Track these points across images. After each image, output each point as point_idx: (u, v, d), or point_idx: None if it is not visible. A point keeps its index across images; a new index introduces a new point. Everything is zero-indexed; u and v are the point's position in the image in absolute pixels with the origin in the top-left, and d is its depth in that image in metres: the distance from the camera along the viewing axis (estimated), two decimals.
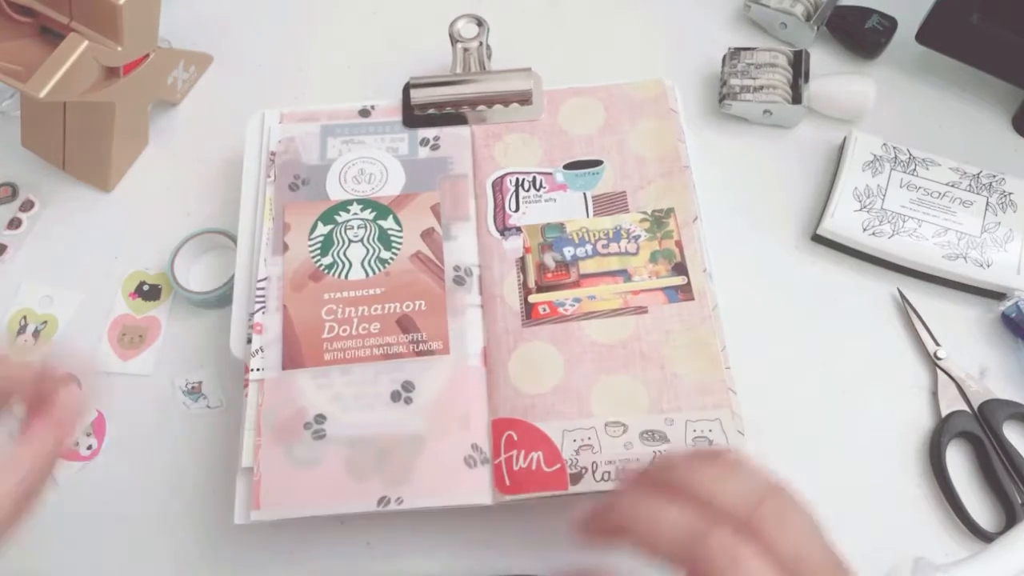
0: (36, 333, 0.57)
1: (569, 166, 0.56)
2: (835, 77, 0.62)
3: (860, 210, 0.56)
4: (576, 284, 0.51)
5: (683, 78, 0.64)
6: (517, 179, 0.55)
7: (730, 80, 0.61)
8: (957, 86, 0.64)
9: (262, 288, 0.52)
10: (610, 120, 0.57)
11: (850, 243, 0.56)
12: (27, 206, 0.61)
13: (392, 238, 0.53)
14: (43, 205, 0.61)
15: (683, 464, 0.36)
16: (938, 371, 0.53)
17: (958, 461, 0.51)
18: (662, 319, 0.50)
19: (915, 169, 0.58)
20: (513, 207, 0.54)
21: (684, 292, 0.51)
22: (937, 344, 0.54)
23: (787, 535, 0.32)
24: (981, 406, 0.52)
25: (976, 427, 0.51)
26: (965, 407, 0.52)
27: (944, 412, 0.52)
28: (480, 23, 0.59)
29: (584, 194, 0.54)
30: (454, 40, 0.59)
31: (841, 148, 0.60)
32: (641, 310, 0.50)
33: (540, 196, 0.55)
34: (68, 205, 0.61)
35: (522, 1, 0.69)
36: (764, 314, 0.56)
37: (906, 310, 0.55)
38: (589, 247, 0.53)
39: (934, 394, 0.53)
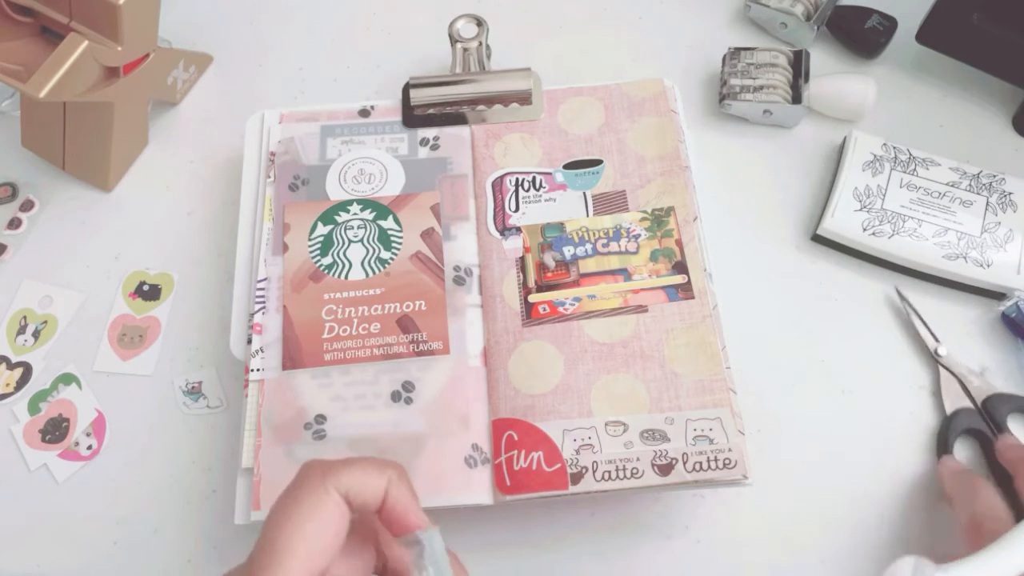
0: (36, 333, 0.57)
1: (569, 166, 0.56)
2: (835, 77, 0.62)
3: (860, 210, 0.56)
4: (576, 283, 0.51)
5: (683, 78, 0.64)
6: (517, 179, 0.55)
7: (730, 80, 0.61)
8: (957, 86, 0.64)
9: (262, 288, 0.52)
10: (610, 120, 0.57)
11: (850, 243, 0.56)
12: (27, 206, 0.61)
13: (392, 238, 0.53)
14: (43, 205, 0.61)
15: None
16: (940, 368, 0.53)
17: (964, 458, 0.51)
18: (662, 318, 0.50)
19: (915, 169, 0.58)
20: (513, 207, 0.54)
21: (684, 291, 0.51)
22: (937, 341, 0.54)
23: None
24: (985, 402, 0.51)
25: (982, 424, 0.51)
26: (969, 404, 0.51)
27: (949, 410, 0.52)
28: (480, 23, 0.59)
29: (584, 193, 0.54)
30: (454, 40, 0.59)
31: (841, 148, 0.60)
32: (641, 309, 0.50)
33: (540, 196, 0.55)
34: (68, 205, 0.61)
35: (522, 1, 0.69)
36: (764, 314, 0.56)
37: (904, 308, 0.55)
38: (589, 246, 0.53)
39: (936, 393, 0.53)
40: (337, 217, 0.54)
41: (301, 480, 0.36)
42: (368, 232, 0.54)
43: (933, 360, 0.54)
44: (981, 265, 0.54)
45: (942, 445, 0.51)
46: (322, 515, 0.35)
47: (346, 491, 0.36)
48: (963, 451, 0.51)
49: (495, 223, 0.54)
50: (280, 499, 0.36)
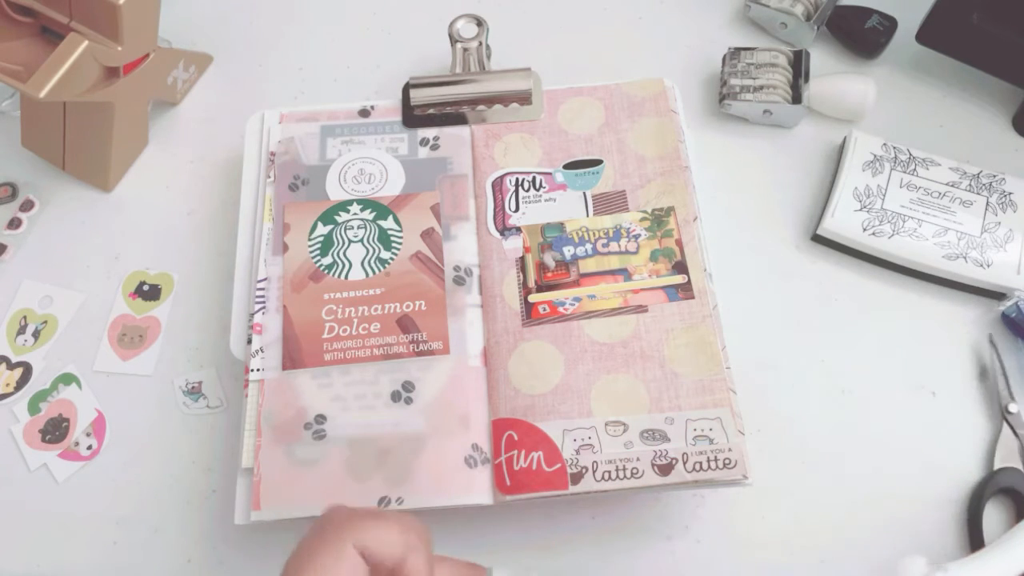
0: (36, 333, 0.57)
1: (569, 166, 0.56)
2: (835, 77, 0.62)
3: (860, 210, 0.56)
4: (576, 283, 0.51)
5: (683, 78, 0.64)
6: (517, 179, 0.55)
7: (730, 80, 0.61)
8: (957, 86, 0.64)
9: (262, 288, 0.52)
10: (610, 120, 0.57)
11: (850, 243, 0.56)
12: (27, 206, 0.61)
13: (392, 238, 0.53)
14: (43, 205, 0.61)
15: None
16: (1004, 424, 0.51)
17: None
18: (662, 318, 0.50)
19: (915, 169, 0.58)
20: (513, 207, 0.54)
21: (684, 291, 0.50)
22: (1012, 399, 0.52)
23: None
24: None
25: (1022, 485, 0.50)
26: (1020, 466, 0.50)
27: (997, 465, 0.50)
28: (480, 23, 0.59)
29: (584, 193, 0.54)
30: (454, 40, 0.59)
31: (841, 148, 0.60)
32: (641, 309, 0.50)
33: (540, 196, 0.55)
34: (68, 205, 0.61)
35: (522, 1, 0.69)
36: (764, 314, 0.56)
37: (991, 357, 0.53)
38: (589, 246, 0.53)
39: (933, 394, 0.53)
40: (337, 217, 0.54)
41: (321, 531, 0.36)
42: (368, 232, 0.54)
43: (1001, 414, 0.52)
44: (981, 265, 0.54)
45: (977, 497, 0.50)
46: (339, 574, 0.35)
47: (364, 547, 0.35)
48: (995, 508, 0.50)
49: (495, 223, 0.54)
50: (299, 551, 0.36)
